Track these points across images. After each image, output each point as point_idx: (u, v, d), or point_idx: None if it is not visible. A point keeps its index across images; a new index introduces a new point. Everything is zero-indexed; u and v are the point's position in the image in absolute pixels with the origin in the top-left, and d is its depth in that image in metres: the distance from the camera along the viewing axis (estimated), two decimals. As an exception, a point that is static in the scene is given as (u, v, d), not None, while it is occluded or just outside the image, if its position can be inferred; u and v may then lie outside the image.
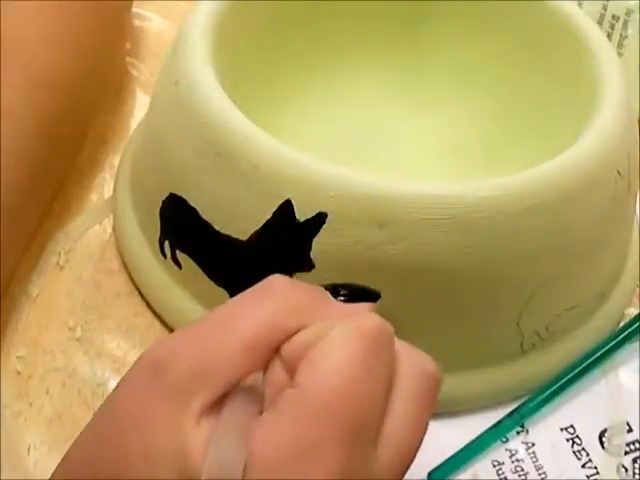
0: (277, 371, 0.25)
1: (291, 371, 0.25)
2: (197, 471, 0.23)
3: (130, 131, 0.47)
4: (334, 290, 0.29)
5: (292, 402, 0.24)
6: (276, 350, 0.25)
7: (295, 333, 0.25)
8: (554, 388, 0.37)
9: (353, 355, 0.24)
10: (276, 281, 0.27)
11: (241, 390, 0.24)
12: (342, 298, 0.29)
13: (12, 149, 0.36)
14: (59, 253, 0.41)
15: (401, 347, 0.26)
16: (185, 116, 0.35)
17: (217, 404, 0.24)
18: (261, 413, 0.24)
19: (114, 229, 0.42)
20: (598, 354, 0.38)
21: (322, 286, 0.29)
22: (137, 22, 0.55)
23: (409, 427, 0.25)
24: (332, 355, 0.24)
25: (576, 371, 0.38)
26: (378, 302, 0.31)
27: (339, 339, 0.25)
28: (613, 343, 0.39)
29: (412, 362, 0.26)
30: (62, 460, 0.26)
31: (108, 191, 0.44)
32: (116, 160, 0.45)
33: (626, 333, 0.39)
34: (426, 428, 0.26)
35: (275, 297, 0.26)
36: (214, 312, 0.26)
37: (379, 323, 0.26)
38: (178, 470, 0.23)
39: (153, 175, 0.39)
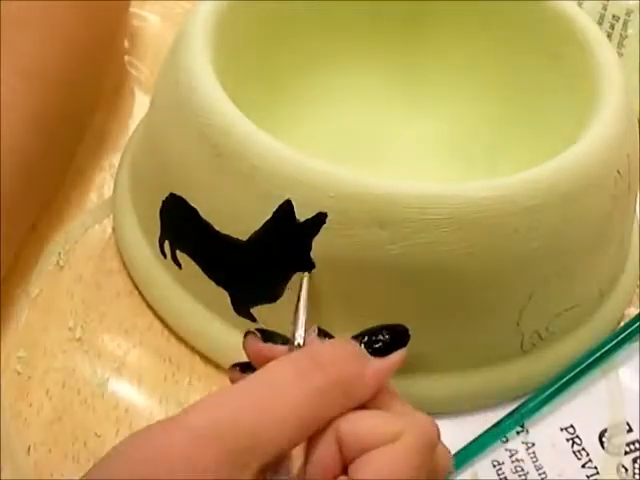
0: (329, 449, 0.26)
1: (345, 453, 0.25)
2: None
3: (130, 131, 0.47)
4: (369, 342, 0.30)
5: None
6: (323, 424, 0.26)
7: (348, 408, 0.26)
8: (554, 388, 0.37)
9: (418, 468, 0.25)
10: (320, 353, 0.27)
11: (279, 464, 0.25)
12: (378, 346, 0.30)
13: (4, 143, 0.36)
14: (59, 253, 0.41)
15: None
16: (185, 116, 0.35)
17: (264, 471, 0.24)
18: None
19: (114, 229, 0.42)
20: (598, 354, 0.38)
21: (358, 337, 0.30)
22: (137, 22, 0.55)
23: None
24: (399, 468, 0.25)
25: (576, 371, 0.38)
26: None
27: (407, 451, 0.25)
28: (613, 343, 0.39)
29: (442, 459, 0.28)
30: None
31: (108, 191, 0.44)
32: (116, 160, 0.45)
33: (626, 333, 0.39)
34: None
35: (324, 370, 0.26)
36: (259, 378, 0.26)
37: (437, 430, 0.27)
38: None
39: (153, 175, 0.39)
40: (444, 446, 0.28)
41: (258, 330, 0.30)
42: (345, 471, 0.26)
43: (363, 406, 0.27)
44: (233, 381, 0.30)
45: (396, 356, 0.29)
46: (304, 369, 0.26)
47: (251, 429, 0.24)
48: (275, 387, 0.26)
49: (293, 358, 0.27)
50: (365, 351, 0.29)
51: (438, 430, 0.27)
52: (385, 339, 0.30)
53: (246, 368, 0.30)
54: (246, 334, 0.30)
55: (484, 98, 0.45)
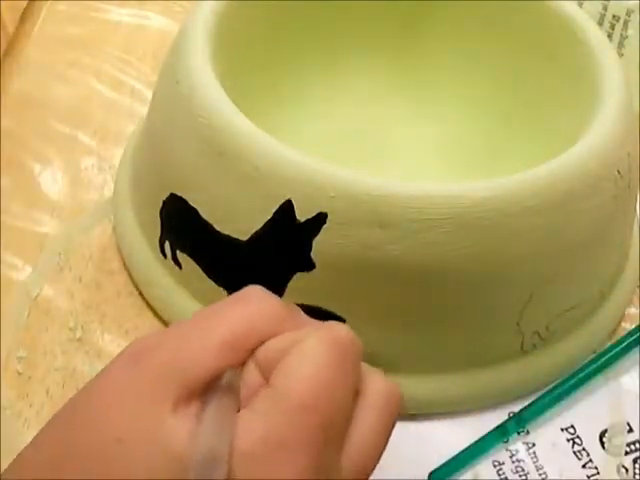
0: (252, 373, 0.26)
1: (265, 374, 0.26)
2: (178, 457, 0.23)
3: (130, 131, 0.47)
4: (304, 310, 0.31)
5: (266, 401, 0.25)
6: (251, 353, 0.27)
7: (269, 339, 0.27)
8: (555, 394, 0.37)
9: (326, 362, 0.26)
10: (253, 290, 0.29)
11: (221, 386, 0.25)
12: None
13: None
14: (59, 253, 0.41)
15: (367, 367, 0.28)
16: (185, 116, 0.35)
17: (192, 398, 0.25)
18: (239, 410, 0.25)
19: (114, 229, 0.42)
20: (600, 362, 0.38)
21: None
22: (137, 22, 0.55)
23: (373, 437, 0.27)
24: (306, 360, 0.26)
25: (578, 377, 0.38)
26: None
27: (313, 346, 0.26)
28: (615, 352, 0.39)
29: (378, 379, 0.28)
30: (32, 440, 0.26)
31: (108, 191, 0.44)
32: (116, 160, 0.45)
33: (629, 341, 0.39)
34: (386, 442, 0.27)
35: (252, 304, 0.28)
36: (194, 315, 0.28)
37: (351, 335, 0.27)
38: (156, 454, 0.24)
39: (153, 175, 0.39)
40: (383, 378, 0.28)
41: None
42: None
43: None
44: None
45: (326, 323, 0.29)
46: (235, 301, 0.28)
47: (173, 352, 0.25)
48: (204, 318, 0.27)
49: (230, 296, 0.29)
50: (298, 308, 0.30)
51: (359, 342, 0.27)
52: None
53: None
54: None
55: (484, 98, 0.45)
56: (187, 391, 0.25)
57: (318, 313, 0.32)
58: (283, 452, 0.24)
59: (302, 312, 0.30)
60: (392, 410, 0.28)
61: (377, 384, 0.28)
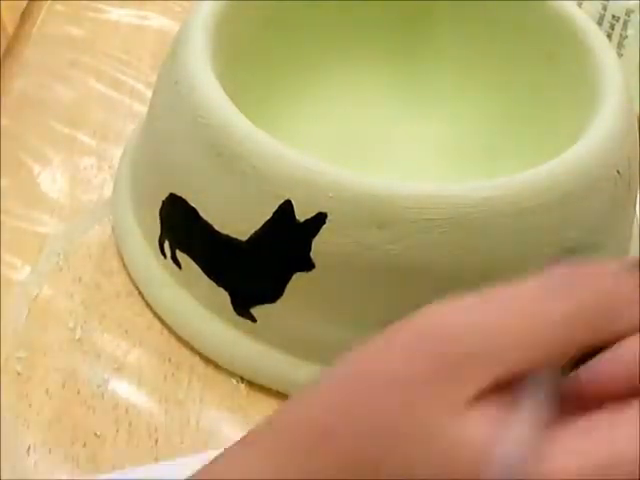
0: (587, 378, 0.21)
1: (605, 387, 0.21)
2: (470, 461, 0.20)
3: (130, 131, 0.47)
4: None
5: (606, 429, 0.20)
6: (573, 352, 0.22)
7: (610, 333, 0.22)
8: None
9: None
10: (575, 271, 0.24)
11: (532, 384, 0.21)
12: None
13: None
14: (59, 253, 0.41)
15: None
16: (185, 116, 0.35)
17: (495, 393, 0.21)
18: (552, 417, 0.21)
19: (114, 229, 0.42)
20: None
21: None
22: (137, 22, 0.55)
23: None
24: None
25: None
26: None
27: None
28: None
29: None
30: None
31: (108, 191, 0.44)
32: (116, 160, 0.45)
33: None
34: None
35: (581, 287, 0.23)
36: (498, 290, 0.23)
37: None
38: (442, 449, 0.20)
39: (153, 175, 0.39)
40: None
41: None
42: None
43: None
44: None
45: None
46: (555, 284, 0.23)
47: (478, 338, 0.21)
48: (516, 299, 0.23)
49: (543, 277, 0.24)
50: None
51: None
52: None
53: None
54: None
55: (484, 98, 0.45)
56: (492, 383, 0.20)
57: None
58: None
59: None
60: None
61: None
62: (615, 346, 0.21)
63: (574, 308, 0.22)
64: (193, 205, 0.35)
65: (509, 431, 0.20)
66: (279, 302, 0.35)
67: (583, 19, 0.40)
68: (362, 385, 0.22)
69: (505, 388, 0.21)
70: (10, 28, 0.53)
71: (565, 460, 0.20)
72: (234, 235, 0.34)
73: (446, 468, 0.20)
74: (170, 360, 0.38)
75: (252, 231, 0.34)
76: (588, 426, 0.20)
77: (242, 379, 0.37)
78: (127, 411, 0.36)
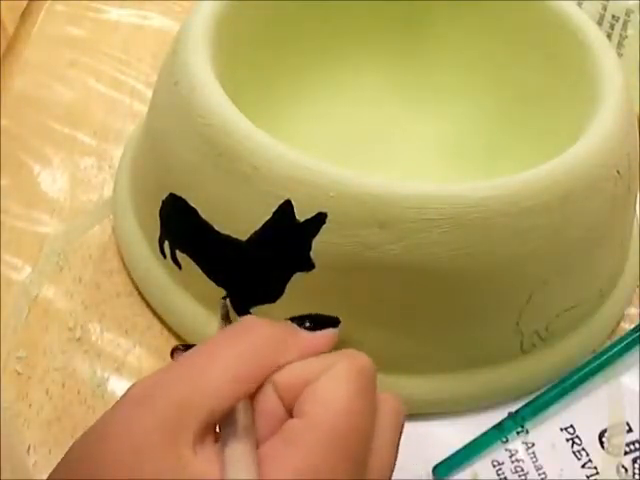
0: (270, 400, 0.27)
1: (287, 400, 0.26)
2: None
3: (130, 131, 0.47)
4: (299, 321, 0.31)
5: (304, 433, 0.25)
6: (259, 381, 0.27)
7: (279, 364, 0.27)
8: (555, 392, 0.37)
9: (356, 391, 0.26)
10: (249, 319, 0.30)
11: (237, 420, 0.25)
12: (307, 325, 0.31)
13: None
14: (59, 253, 0.42)
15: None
16: (185, 116, 0.35)
17: (208, 435, 0.25)
18: (257, 442, 0.25)
19: (114, 229, 0.42)
20: (599, 362, 0.38)
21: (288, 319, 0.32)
22: (136, 22, 0.55)
23: (390, 452, 0.28)
24: (340, 391, 0.26)
25: (578, 376, 0.38)
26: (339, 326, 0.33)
27: (343, 375, 0.26)
28: (614, 351, 0.39)
29: (387, 397, 0.29)
30: None
31: (108, 191, 0.44)
32: (116, 160, 0.45)
33: (629, 340, 0.39)
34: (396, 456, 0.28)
35: (253, 332, 0.28)
36: (195, 350, 0.27)
37: (371, 362, 0.28)
38: None
39: (153, 175, 0.39)
40: (392, 396, 0.29)
41: (183, 345, 0.32)
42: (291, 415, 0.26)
43: None
44: None
45: (325, 333, 0.31)
46: (235, 333, 0.28)
47: (183, 390, 0.25)
48: (207, 353, 0.27)
49: (226, 328, 0.30)
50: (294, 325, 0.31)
51: (371, 362, 0.28)
52: (309, 326, 0.31)
53: (188, 348, 0.30)
54: (172, 351, 0.32)
55: (484, 98, 0.45)
56: (203, 429, 0.24)
57: (312, 319, 0.32)
58: None
59: (299, 328, 0.31)
60: (401, 424, 0.29)
61: (388, 403, 0.28)
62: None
63: (254, 343, 0.27)
64: (193, 205, 0.35)
65: (229, 465, 0.24)
66: (279, 302, 0.35)
67: (583, 19, 0.40)
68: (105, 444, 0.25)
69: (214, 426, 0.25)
70: (10, 28, 0.53)
71: (276, 470, 0.24)
72: (234, 235, 0.34)
73: None
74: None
75: (252, 231, 0.33)
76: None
77: (242, 379, 0.37)
78: (127, 411, 0.36)
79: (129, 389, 0.26)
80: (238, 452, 0.24)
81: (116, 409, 0.26)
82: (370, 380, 0.27)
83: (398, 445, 0.28)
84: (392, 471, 0.28)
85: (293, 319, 0.32)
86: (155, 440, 0.24)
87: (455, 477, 0.35)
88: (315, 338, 0.30)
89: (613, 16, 0.50)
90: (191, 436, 0.24)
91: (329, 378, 0.26)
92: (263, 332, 0.28)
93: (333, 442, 0.25)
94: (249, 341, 0.27)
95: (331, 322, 0.33)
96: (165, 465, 0.23)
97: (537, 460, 0.36)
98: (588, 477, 0.36)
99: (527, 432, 0.37)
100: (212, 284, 0.36)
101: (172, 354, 0.31)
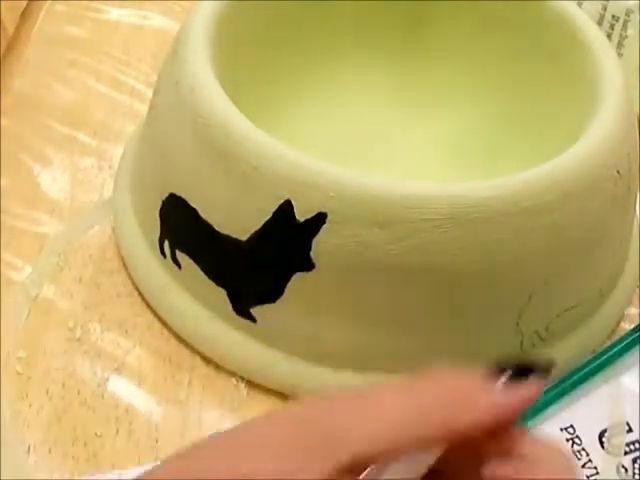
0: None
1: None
2: None
3: (130, 131, 0.47)
4: (499, 370, 0.25)
5: None
6: (441, 440, 0.23)
7: (457, 424, 0.23)
8: (554, 393, 0.37)
9: None
10: (440, 371, 0.25)
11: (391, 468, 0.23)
12: (504, 380, 0.25)
13: None
14: (59, 253, 0.41)
15: None
16: (185, 116, 0.35)
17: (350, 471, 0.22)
18: None
19: (114, 229, 0.42)
20: (599, 362, 0.38)
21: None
22: (136, 22, 0.55)
23: None
24: None
25: (578, 376, 0.38)
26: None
27: None
28: (614, 351, 0.39)
29: None
30: None
31: (108, 191, 0.44)
32: (116, 160, 0.45)
33: (629, 340, 0.39)
34: None
35: (436, 386, 0.24)
36: (378, 385, 0.24)
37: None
38: None
39: (153, 175, 0.39)
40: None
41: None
42: None
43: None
44: None
45: (528, 387, 0.24)
46: (409, 384, 0.24)
47: (342, 422, 0.22)
48: (375, 397, 0.24)
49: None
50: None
51: None
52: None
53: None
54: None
55: (484, 98, 0.45)
56: (345, 465, 0.22)
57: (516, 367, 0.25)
58: None
59: (492, 384, 0.25)
60: None
61: None
62: None
63: (429, 401, 0.23)
64: (193, 205, 0.35)
65: None
66: (279, 302, 0.35)
67: (583, 19, 0.40)
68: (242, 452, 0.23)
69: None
70: (10, 28, 0.53)
71: None
72: (234, 235, 0.34)
73: None
74: (170, 360, 0.38)
75: (252, 231, 0.34)
76: None
77: (242, 379, 0.37)
78: (127, 411, 0.36)
79: (292, 407, 0.24)
80: None
81: (268, 420, 0.23)
82: None
83: None
84: None
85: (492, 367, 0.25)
86: (298, 455, 0.22)
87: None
88: (513, 394, 0.24)
89: (613, 16, 0.50)
90: (327, 467, 0.21)
91: None
92: (438, 386, 0.24)
93: None
94: (441, 387, 0.24)
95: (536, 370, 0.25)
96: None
97: (537, 460, 0.36)
98: (588, 477, 0.36)
99: (527, 432, 0.37)
100: (212, 284, 0.36)
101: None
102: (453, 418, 0.23)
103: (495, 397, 0.24)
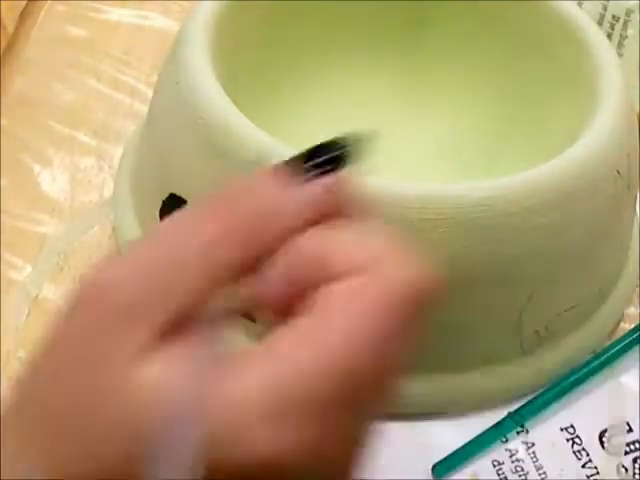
0: (277, 277, 0.21)
1: (293, 286, 0.21)
2: (160, 400, 0.19)
3: (130, 131, 0.47)
4: (295, 166, 0.23)
5: (293, 343, 0.20)
6: (264, 255, 0.21)
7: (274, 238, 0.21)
8: (555, 391, 0.37)
9: (390, 325, 0.21)
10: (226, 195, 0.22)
11: (206, 314, 0.20)
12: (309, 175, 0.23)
13: None
14: (59, 253, 0.41)
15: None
16: (185, 116, 0.35)
17: (176, 330, 0.20)
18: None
19: (114, 229, 0.42)
20: (599, 361, 0.38)
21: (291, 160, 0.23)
22: (137, 22, 0.55)
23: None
24: (363, 317, 0.20)
25: (578, 375, 0.38)
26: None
27: (382, 297, 0.20)
28: (614, 351, 0.39)
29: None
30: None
31: (108, 191, 0.44)
32: (116, 160, 0.45)
33: (629, 340, 0.39)
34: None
35: (227, 212, 0.21)
36: (169, 220, 0.21)
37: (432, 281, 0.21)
38: (130, 408, 0.19)
39: (153, 175, 0.39)
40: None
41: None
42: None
43: None
44: None
45: (332, 172, 0.23)
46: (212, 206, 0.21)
47: (145, 283, 0.20)
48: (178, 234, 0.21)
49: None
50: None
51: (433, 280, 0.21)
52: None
53: None
54: None
55: (484, 98, 0.45)
56: (164, 323, 0.19)
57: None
58: (291, 416, 0.18)
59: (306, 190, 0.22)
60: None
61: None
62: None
63: (219, 229, 0.20)
64: (193, 205, 0.35)
65: (185, 366, 0.19)
66: (279, 302, 0.35)
67: (583, 19, 0.40)
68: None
69: (186, 325, 0.20)
70: (10, 28, 0.52)
71: (244, 381, 0.19)
72: (234, 235, 0.34)
73: (134, 416, 0.18)
74: (170, 360, 0.38)
75: (252, 231, 0.33)
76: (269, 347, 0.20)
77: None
78: (127, 411, 0.36)
79: (85, 278, 0.21)
80: (202, 357, 0.19)
81: (70, 307, 0.22)
82: (419, 310, 0.21)
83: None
84: None
85: (296, 158, 0.23)
86: (108, 340, 0.20)
87: (455, 477, 0.35)
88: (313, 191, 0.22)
89: (613, 16, 0.50)
90: (146, 334, 0.19)
91: (357, 290, 0.20)
92: (267, 197, 0.21)
93: (332, 373, 0.19)
94: (219, 218, 0.21)
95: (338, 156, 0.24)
96: (113, 370, 0.19)
97: (537, 460, 0.36)
98: (588, 477, 0.36)
99: (527, 432, 0.37)
100: (212, 284, 0.36)
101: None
102: (262, 235, 0.21)
103: (300, 197, 0.22)
